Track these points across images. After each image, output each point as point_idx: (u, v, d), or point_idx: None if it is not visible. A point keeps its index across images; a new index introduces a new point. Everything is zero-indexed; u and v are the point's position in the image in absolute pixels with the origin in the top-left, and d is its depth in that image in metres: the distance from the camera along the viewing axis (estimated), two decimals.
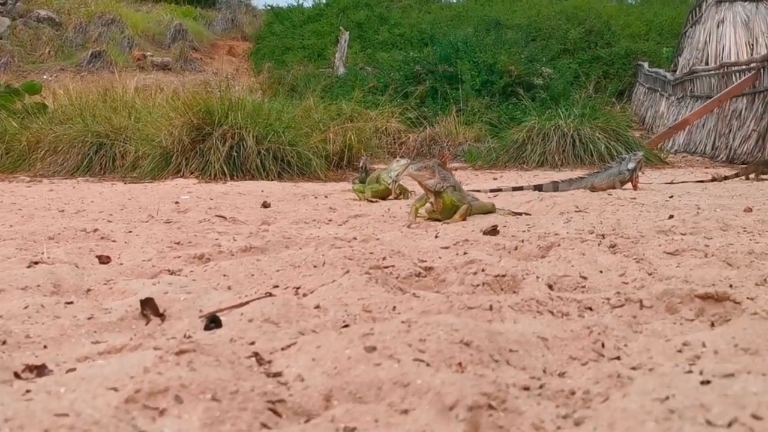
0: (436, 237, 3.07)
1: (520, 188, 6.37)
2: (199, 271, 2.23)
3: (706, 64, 15.76)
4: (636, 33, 21.48)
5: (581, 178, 6.48)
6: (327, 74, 17.74)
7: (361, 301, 1.71)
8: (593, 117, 11.47)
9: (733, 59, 14.85)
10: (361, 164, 8.40)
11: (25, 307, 1.64)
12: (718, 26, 16.13)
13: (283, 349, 1.37)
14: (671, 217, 3.86)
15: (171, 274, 2.24)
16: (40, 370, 1.24)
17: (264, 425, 1.05)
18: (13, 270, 2.13)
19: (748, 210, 4.22)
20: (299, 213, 4.56)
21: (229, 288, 2.07)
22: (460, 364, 1.23)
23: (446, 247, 2.72)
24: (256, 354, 1.33)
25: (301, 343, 1.37)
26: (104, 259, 2.55)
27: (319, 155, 9.23)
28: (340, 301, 1.74)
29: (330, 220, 3.97)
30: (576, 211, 4.44)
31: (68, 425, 0.97)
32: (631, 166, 6.27)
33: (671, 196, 5.61)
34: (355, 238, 2.93)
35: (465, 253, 2.54)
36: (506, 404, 1.04)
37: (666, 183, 7.73)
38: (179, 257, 2.41)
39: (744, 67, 12.73)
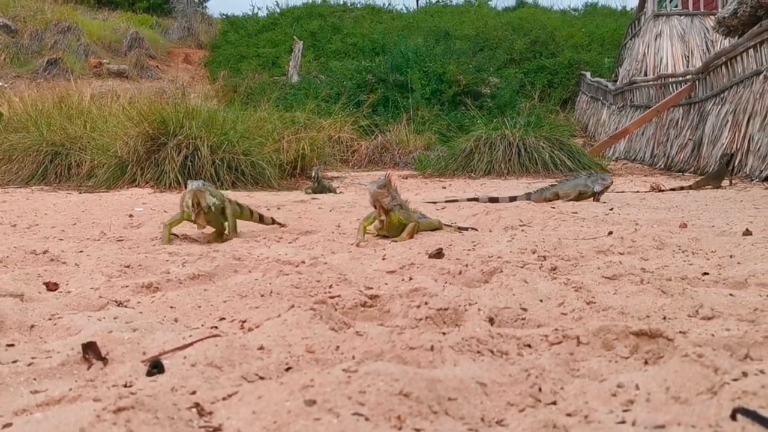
0: (383, 259, 3.10)
1: (496, 199, 6.56)
2: (147, 302, 2.22)
3: (645, 75, 16.20)
4: (579, 44, 21.98)
5: (552, 185, 6.72)
6: (281, 82, 17.72)
7: (304, 341, 1.73)
8: (538, 126, 11.71)
9: (670, 71, 15.30)
10: (313, 174, 8.48)
11: None
12: (656, 39, 16.59)
13: (224, 399, 1.37)
14: (610, 233, 3.96)
15: (118, 305, 2.22)
16: None
17: None
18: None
19: (683, 226, 4.36)
20: (251, 227, 4.54)
21: (176, 320, 2.06)
22: (399, 417, 1.25)
23: (392, 272, 2.75)
24: (197, 405, 1.34)
25: (242, 393, 1.38)
26: (52, 287, 2.52)
27: (273, 164, 9.28)
28: (284, 340, 1.75)
29: (280, 238, 3.97)
30: (520, 226, 4.52)
31: None
32: (597, 188, 6.51)
33: (611, 209, 5.75)
34: (303, 262, 2.93)
35: (410, 278, 2.57)
36: None
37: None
38: (127, 286, 2.39)
39: (680, 78, 13.12)
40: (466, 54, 19.03)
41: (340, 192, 8.66)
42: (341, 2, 25.59)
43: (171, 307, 2.17)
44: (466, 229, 4.41)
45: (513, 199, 6.52)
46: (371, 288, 2.43)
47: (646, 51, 16.40)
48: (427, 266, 2.85)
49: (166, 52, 21.25)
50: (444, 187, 9.39)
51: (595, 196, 6.50)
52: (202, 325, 1.98)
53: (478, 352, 1.65)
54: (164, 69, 20.18)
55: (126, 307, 2.20)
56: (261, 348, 1.69)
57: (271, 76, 18.93)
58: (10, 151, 9.80)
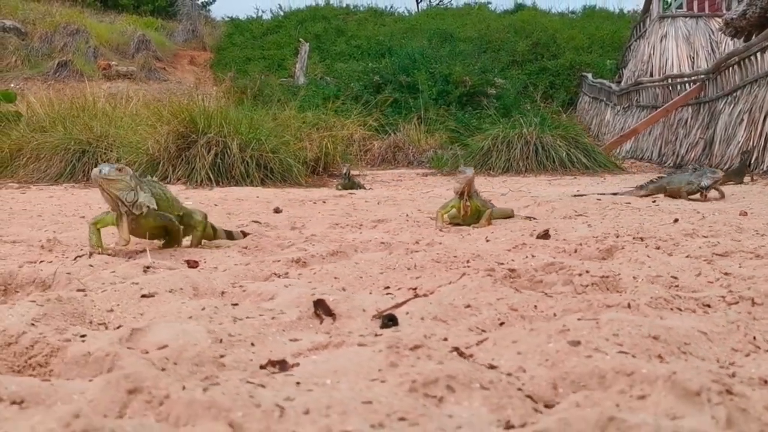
0: (487, 240, 3.24)
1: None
2: (308, 274, 2.35)
3: (651, 75, 16.44)
4: (580, 46, 22.23)
5: (653, 181, 6.40)
6: (288, 84, 17.87)
7: (500, 301, 1.87)
8: (554, 126, 11.90)
9: (675, 71, 15.54)
10: (344, 171, 8.64)
11: (203, 309, 1.75)
12: (661, 40, 16.84)
13: (477, 344, 1.51)
14: (676, 221, 4.12)
15: (279, 277, 2.35)
16: (282, 365, 1.36)
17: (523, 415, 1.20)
18: (148, 274, 2.21)
19: (743, 214, 4.54)
20: (318, 218, 4.67)
21: (343, 289, 2.20)
22: (659, 356, 1.40)
23: (509, 250, 2.89)
24: (456, 349, 1.48)
25: (493, 339, 1.52)
26: (192, 264, 2.64)
27: (299, 162, 9.39)
28: (478, 300, 1.89)
29: (361, 225, 4.11)
30: (577, 215, 4.68)
31: (373, 410, 1.10)
32: (706, 183, 5.97)
33: (654, 201, 5.92)
34: (417, 242, 3.07)
35: (533, 255, 2.72)
36: (735, 390, 1.17)
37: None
38: (279, 261, 2.52)
39: (687, 79, 13.35)
40: (471, 56, 19.25)
41: (369, 188, 8.80)
42: (344, 5, 25.84)
43: (335, 278, 2.30)
44: (531, 218, 4.57)
45: (614, 194, 6.48)
46: (503, 263, 2.57)
47: (651, 52, 16.65)
48: (538, 246, 3.00)
49: (172, 55, 21.37)
50: None
51: (703, 191, 5.96)
52: (386, 290, 2.13)
53: (672, 309, 1.80)
54: (171, 71, 20.28)
55: (290, 278, 2.33)
56: (468, 306, 1.83)
57: (278, 78, 19.06)
58: (38, 150, 9.87)
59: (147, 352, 1.40)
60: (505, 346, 1.48)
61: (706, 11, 16.90)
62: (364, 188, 8.60)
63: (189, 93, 13.27)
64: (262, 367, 1.35)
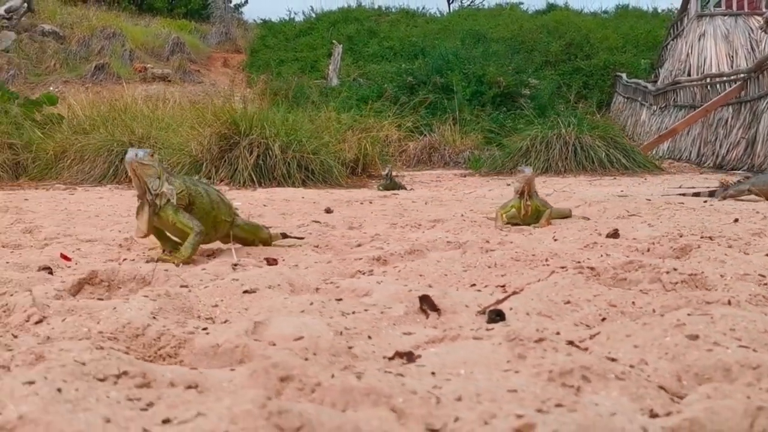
0: (555, 240, 3.26)
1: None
2: (393, 272, 2.39)
3: (688, 75, 16.28)
4: (613, 45, 22.09)
5: (740, 182, 6.13)
6: (321, 85, 17.99)
7: (598, 297, 1.89)
8: (592, 126, 11.85)
9: (714, 71, 15.38)
10: (386, 172, 8.69)
11: (311, 304, 1.79)
12: (699, 39, 16.68)
13: (590, 338, 1.54)
14: (736, 220, 4.10)
15: (364, 274, 2.40)
16: (409, 356, 1.40)
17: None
18: (239, 272, 2.26)
19: None
20: (372, 218, 4.71)
21: (430, 286, 2.23)
22: None
23: (582, 249, 2.91)
24: (571, 342, 1.51)
25: (605, 333, 1.54)
26: (272, 262, 2.69)
27: (339, 163, 9.45)
28: (575, 297, 1.91)
29: (419, 225, 4.14)
30: (629, 215, 4.67)
31: (520, 398, 1.14)
32: None
33: (705, 201, 5.89)
34: (487, 241, 3.09)
35: (608, 254, 2.73)
36: None
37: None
38: (361, 259, 2.56)
39: (726, 78, 13.21)
40: (504, 56, 19.22)
41: (410, 189, 8.83)
42: (376, 6, 25.96)
43: (420, 275, 2.34)
44: (586, 218, 4.57)
45: (695, 195, 6.41)
46: (580, 262, 2.59)
47: (689, 51, 16.51)
48: (609, 245, 3.01)
49: (205, 57, 21.61)
50: (508, 184, 9.55)
51: None
52: (472, 287, 2.16)
53: None
54: (205, 73, 20.50)
55: (375, 275, 2.37)
56: (568, 302, 1.86)
57: (311, 80, 19.18)
58: (81, 152, 10.04)
59: (274, 344, 1.45)
60: (619, 339, 1.50)
61: (745, 9, 16.71)
62: (405, 189, 8.63)
63: (224, 95, 13.41)
64: (390, 358, 1.39)
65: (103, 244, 3.23)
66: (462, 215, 4.72)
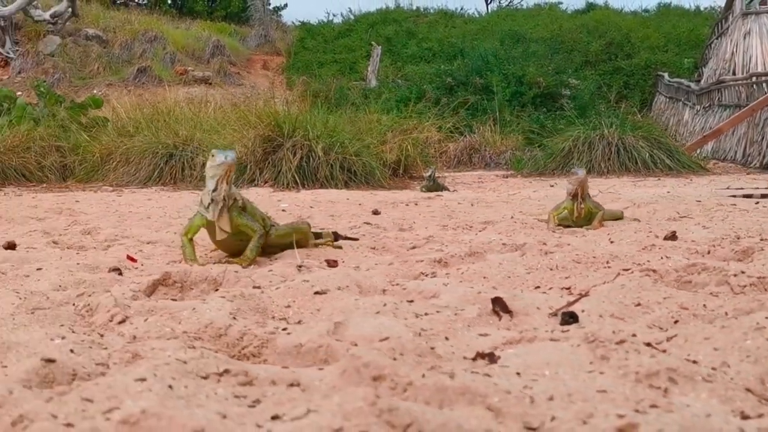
0: (611, 242, 3.25)
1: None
2: (456, 274, 2.42)
3: (733, 74, 16.02)
4: (655, 45, 21.81)
5: None
6: (360, 87, 18.07)
7: (669, 300, 1.90)
8: (635, 127, 11.73)
9: (760, 69, 15.11)
10: (429, 173, 8.69)
11: (384, 305, 1.82)
12: (744, 38, 16.40)
13: (667, 340, 1.55)
14: None
15: (428, 276, 2.42)
16: (491, 357, 1.42)
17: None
18: (305, 273, 2.31)
19: None
20: (421, 219, 4.74)
21: (494, 288, 2.25)
22: None
23: (640, 251, 2.90)
24: (648, 344, 1.51)
25: (682, 335, 1.55)
26: (332, 263, 2.73)
27: (380, 164, 9.49)
28: (646, 300, 1.92)
29: (470, 226, 4.16)
30: (681, 217, 4.63)
31: (611, 398, 1.15)
32: None
33: (757, 202, 5.81)
34: (545, 243, 3.10)
35: (668, 257, 2.72)
36: None
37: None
38: (422, 261, 2.59)
39: None
40: (543, 56, 19.11)
41: (453, 190, 8.83)
42: (414, 8, 25.97)
43: (484, 277, 2.36)
44: (636, 220, 4.54)
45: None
46: (641, 264, 2.58)
47: (734, 50, 16.25)
48: (668, 247, 3.00)
49: (245, 59, 21.84)
50: (551, 185, 9.52)
51: None
52: (536, 289, 2.17)
53: None
54: (245, 75, 20.72)
55: (439, 277, 2.40)
56: (638, 305, 1.87)
57: (350, 81, 19.26)
58: (126, 154, 10.21)
59: (356, 344, 1.48)
60: (698, 342, 1.51)
61: None
62: (448, 190, 8.63)
63: (265, 97, 13.54)
64: (472, 359, 1.42)
65: (163, 246, 3.31)
66: (512, 217, 4.72)
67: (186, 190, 8.78)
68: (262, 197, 7.51)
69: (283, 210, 5.78)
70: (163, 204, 6.77)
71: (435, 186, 8.55)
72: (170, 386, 1.04)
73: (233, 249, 2.81)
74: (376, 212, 5.39)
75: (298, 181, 8.80)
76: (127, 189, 9.07)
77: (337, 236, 3.43)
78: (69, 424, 0.94)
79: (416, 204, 6.48)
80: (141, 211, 5.87)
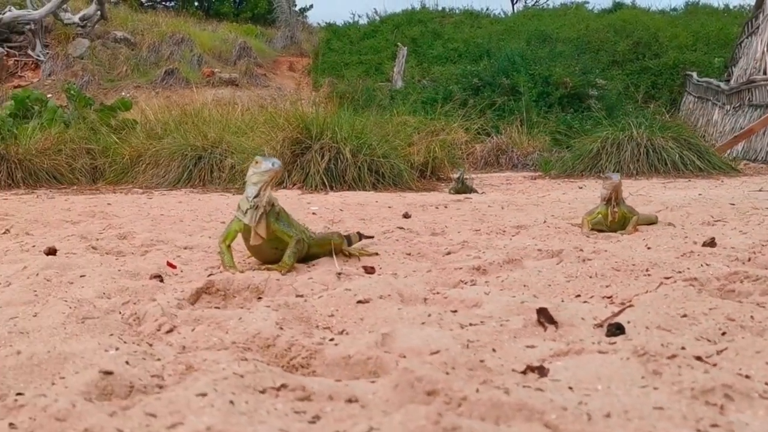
0: (648, 248, 3.23)
1: None
2: (495, 282, 2.41)
3: (764, 73, 15.80)
4: (683, 44, 21.58)
5: None
6: (386, 88, 18.10)
7: (715, 311, 1.88)
8: (664, 127, 11.63)
9: None
10: (458, 175, 8.69)
11: (429, 315, 1.83)
12: None
13: (718, 353, 1.54)
14: None
15: (467, 284, 2.42)
16: (541, 370, 1.42)
17: None
18: (345, 281, 2.32)
19: None
20: (452, 223, 4.73)
21: (535, 296, 2.24)
22: None
23: (679, 258, 2.87)
24: (699, 358, 1.50)
25: (734, 349, 1.54)
26: (369, 270, 2.74)
27: (408, 166, 9.50)
28: (692, 310, 1.90)
29: (503, 231, 4.14)
30: (715, 221, 4.58)
31: (668, 416, 1.15)
32: None
33: None
34: (581, 249, 3.08)
35: (707, 264, 2.69)
36: None
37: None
38: (461, 268, 2.59)
39: None
40: (570, 57, 19.02)
41: (482, 192, 8.81)
42: (440, 8, 25.94)
43: (524, 286, 2.35)
44: (671, 224, 4.50)
45: None
46: (681, 272, 2.56)
47: (765, 49, 16.03)
48: (706, 253, 2.97)
49: (271, 61, 21.96)
50: (580, 187, 9.46)
51: None
52: (577, 298, 2.17)
53: None
54: (271, 77, 20.82)
55: (479, 285, 2.40)
56: (684, 316, 1.85)
57: (375, 82, 19.28)
58: (156, 156, 10.30)
59: (404, 356, 1.49)
60: (749, 356, 1.49)
61: None
62: (477, 192, 8.61)
63: (292, 99, 13.59)
64: (522, 372, 1.42)
65: (200, 251, 3.34)
66: (544, 221, 4.69)
67: (215, 193, 8.86)
68: (291, 200, 7.56)
69: (314, 213, 5.81)
70: (194, 207, 6.82)
71: (464, 188, 8.54)
72: (231, 402, 1.05)
73: (267, 256, 2.83)
74: (406, 215, 5.39)
75: (327, 183, 8.84)
76: (156, 191, 9.16)
77: (361, 236, 3.50)
78: None
79: (446, 207, 6.47)
80: (173, 214, 5.92)
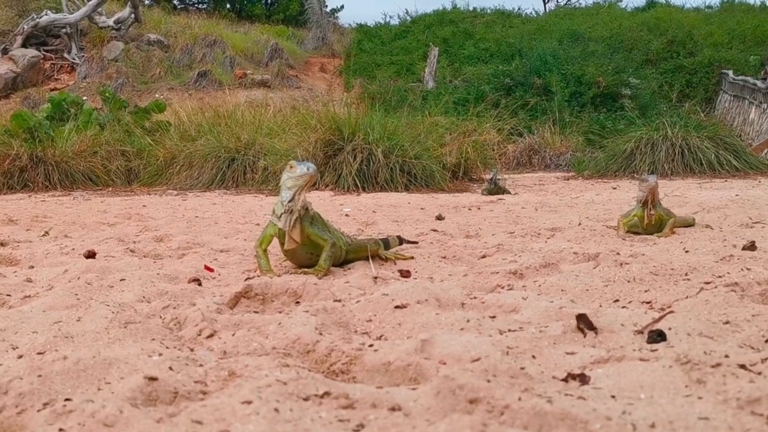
0: (685, 251, 3.19)
1: None
2: (533, 286, 2.40)
3: None
4: (719, 42, 21.28)
5: None
6: (417, 88, 18.09)
7: (759, 317, 1.85)
8: (699, 127, 11.47)
9: None
10: (491, 176, 8.67)
11: (467, 321, 1.83)
12: None
13: (762, 361, 1.51)
14: None
15: (504, 288, 2.42)
16: (582, 378, 1.42)
17: None
18: (382, 285, 2.33)
19: None
20: (486, 225, 4.72)
21: (572, 301, 2.22)
22: None
23: (719, 262, 2.83)
24: (743, 366, 1.48)
25: None
26: (405, 274, 2.74)
27: (441, 167, 9.48)
28: (734, 317, 1.87)
29: (538, 233, 4.13)
30: (755, 223, 4.50)
31: (713, 426, 1.13)
32: None
33: None
34: (618, 253, 3.05)
35: (748, 269, 2.65)
36: None
37: None
38: (497, 273, 2.59)
39: None
40: (603, 56, 18.84)
41: (515, 193, 8.77)
42: (471, 8, 25.86)
43: (562, 290, 2.34)
44: (708, 227, 4.44)
45: None
46: (721, 276, 2.52)
47: None
48: (747, 257, 2.92)
49: (303, 62, 22.06)
50: (614, 188, 9.37)
51: None
52: (615, 303, 2.15)
53: None
54: (303, 78, 20.93)
55: (516, 290, 2.39)
56: (727, 323, 1.83)
57: (407, 83, 19.28)
58: (189, 158, 10.40)
59: (444, 363, 1.49)
60: None
61: None
62: (510, 193, 8.58)
63: (324, 100, 13.64)
64: (563, 379, 1.41)
65: (237, 254, 3.37)
66: (579, 223, 4.66)
67: (248, 194, 8.94)
68: (323, 201, 7.59)
69: (347, 215, 5.83)
70: (228, 209, 6.87)
71: (496, 189, 8.52)
72: (276, 409, 1.07)
73: (302, 260, 2.84)
74: (440, 217, 5.38)
75: (359, 184, 8.86)
76: (191, 193, 9.25)
77: (401, 240, 3.49)
78: None
79: (479, 208, 6.45)
80: (207, 216, 5.97)
